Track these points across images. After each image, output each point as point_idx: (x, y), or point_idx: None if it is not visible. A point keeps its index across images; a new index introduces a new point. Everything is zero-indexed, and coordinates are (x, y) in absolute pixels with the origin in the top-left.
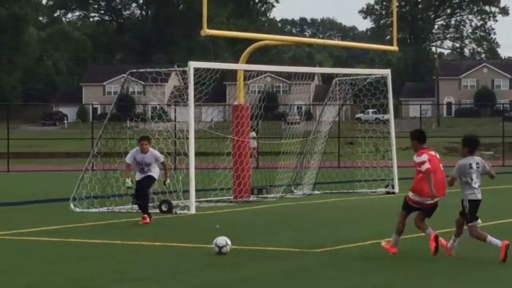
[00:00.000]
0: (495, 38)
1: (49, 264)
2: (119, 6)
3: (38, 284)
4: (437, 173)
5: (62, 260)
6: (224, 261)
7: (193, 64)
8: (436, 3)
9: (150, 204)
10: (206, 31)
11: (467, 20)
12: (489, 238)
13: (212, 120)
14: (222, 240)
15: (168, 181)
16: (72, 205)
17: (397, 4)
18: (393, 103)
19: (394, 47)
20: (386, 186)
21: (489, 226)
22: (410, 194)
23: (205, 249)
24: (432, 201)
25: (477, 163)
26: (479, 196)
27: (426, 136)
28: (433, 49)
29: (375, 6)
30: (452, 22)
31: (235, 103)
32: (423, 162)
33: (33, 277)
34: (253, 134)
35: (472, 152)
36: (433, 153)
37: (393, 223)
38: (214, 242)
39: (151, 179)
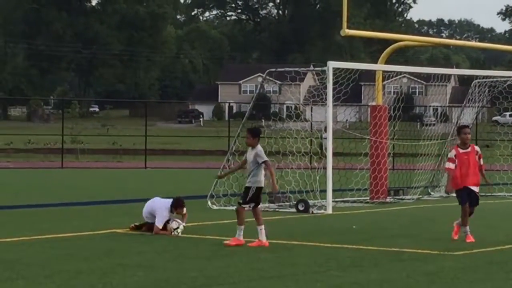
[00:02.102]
0: None
1: (187, 260)
2: (256, 6)
3: (177, 280)
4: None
5: (200, 257)
6: (361, 261)
7: (332, 64)
8: None
9: (287, 203)
10: (346, 31)
11: None
12: None
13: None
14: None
15: None
16: (209, 203)
17: None
18: None
19: None
20: None
21: None
22: None
23: (342, 249)
24: None
25: None
26: None
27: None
28: None
29: None
30: None
31: (373, 103)
32: None
33: (172, 273)
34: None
35: None
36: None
37: None
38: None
39: None
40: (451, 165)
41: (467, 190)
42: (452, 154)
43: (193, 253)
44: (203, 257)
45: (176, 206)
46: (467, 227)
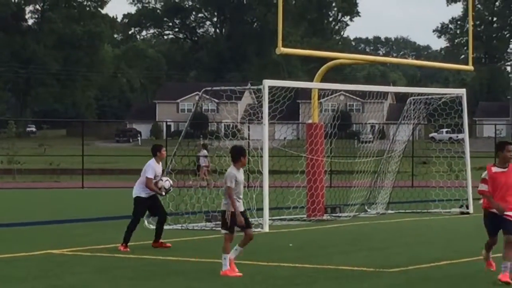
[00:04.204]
0: None
1: (124, 281)
2: (193, 24)
3: None
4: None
5: (137, 277)
6: (298, 280)
7: (267, 82)
8: None
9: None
10: (281, 49)
11: None
12: None
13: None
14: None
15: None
16: (146, 222)
17: (472, 23)
18: (467, 123)
19: (470, 67)
20: (461, 206)
21: None
22: None
23: (279, 268)
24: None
25: None
26: None
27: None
28: (508, 68)
29: (450, 25)
30: None
31: (309, 121)
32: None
33: None
34: (205, 152)
35: None
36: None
37: (467, 243)
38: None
39: None
40: (483, 187)
41: (498, 218)
42: (485, 174)
43: (130, 274)
44: (140, 277)
45: (155, 151)
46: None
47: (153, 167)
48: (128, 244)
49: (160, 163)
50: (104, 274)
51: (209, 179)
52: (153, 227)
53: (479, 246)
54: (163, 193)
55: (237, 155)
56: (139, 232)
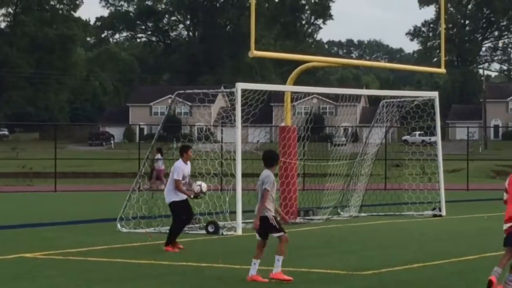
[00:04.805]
0: None
1: (95, 284)
2: (166, 27)
3: None
4: None
5: (108, 280)
6: (270, 283)
7: (240, 85)
8: (484, 25)
9: (197, 225)
10: (254, 52)
11: None
12: None
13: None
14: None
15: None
16: (119, 225)
17: (444, 26)
18: (440, 126)
19: (442, 70)
20: (433, 209)
21: None
22: None
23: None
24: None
25: None
26: None
27: None
28: (480, 71)
29: (422, 28)
30: (500, 44)
31: (282, 124)
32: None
33: None
34: (159, 156)
35: None
36: None
37: (439, 246)
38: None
39: None
40: (504, 196)
41: None
42: (506, 182)
43: (102, 277)
44: (113, 280)
45: (182, 151)
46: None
47: (180, 168)
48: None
49: (189, 163)
50: (76, 277)
51: (159, 183)
52: (126, 230)
53: (452, 249)
54: (192, 196)
55: (275, 159)
56: (110, 235)
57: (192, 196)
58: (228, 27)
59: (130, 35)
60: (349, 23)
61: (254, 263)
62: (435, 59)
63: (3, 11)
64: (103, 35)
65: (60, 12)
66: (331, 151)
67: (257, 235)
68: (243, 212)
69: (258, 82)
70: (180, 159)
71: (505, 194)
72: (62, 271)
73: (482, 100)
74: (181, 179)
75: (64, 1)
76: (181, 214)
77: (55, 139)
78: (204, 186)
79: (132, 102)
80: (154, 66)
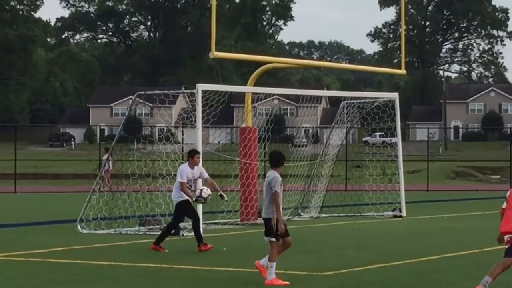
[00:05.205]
0: (502, 62)
1: (56, 285)
2: (127, 28)
3: None
4: None
5: (68, 282)
6: (231, 283)
7: (201, 86)
8: (444, 27)
9: (157, 226)
10: (215, 53)
11: (474, 44)
12: None
13: (219, 142)
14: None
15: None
16: (79, 227)
17: (405, 27)
18: (400, 127)
19: (402, 71)
20: (393, 210)
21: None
22: None
23: (213, 272)
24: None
25: None
26: None
27: None
28: (441, 72)
29: (383, 30)
30: (460, 46)
31: (243, 125)
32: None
33: None
34: (106, 155)
35: None
36: None
37: (400, 246)
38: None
39: None
40: (503, 206)
41: None
42: (508, 193)
43: (63, 278)
44: (73, 282)
45: (188, 156)
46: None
47: (184, 171)
48: (161, 243)
49: (197, 167)
50: (37, 279)
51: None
52: (86, 231)
53: (412, 249)
54: (194, 199)
55: (281, 160)
56: (71, 237)
57: (193, 199)
58: (189, 28)
59: (90, 36)
60: (310, 24)
61: (272, 266)
62: (396, 60)
63: None
64: (63, 36)
65: (20, 12)
66: (292, 152)
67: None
68: (204, 213)
69: (219, 83)
70: (186, 163)
71: (505, 203)
72: (22, 273)
73: (442, 101)
74: (185, 181)
75: (24, 2)
76: (192, 211)
77: (15, 140)
78: (205, 191)
79: (92, 103)
80: (115, 67)
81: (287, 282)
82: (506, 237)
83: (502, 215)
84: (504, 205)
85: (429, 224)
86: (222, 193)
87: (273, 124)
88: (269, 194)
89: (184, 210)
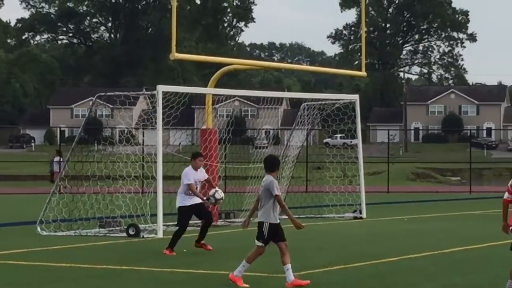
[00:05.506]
0: (462, 64)
1: (14, 287)
2: (88, 29)
3: None
4: None
5: (28, 284)
6: (191, 285)
7: (161, 88)
8: (404, 29)
9: (117, 228)
10: (175, 55)
11: (435, 46)
12: None
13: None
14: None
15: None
16: (39, 228)
17: (365, 29)
18: (361, 128)
19: (363, 73)
20: (354, 211)
21: (458, 252)
22: None
23: (173, 273)
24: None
25: None
26: None
27: None
28: (401, 74)
29: (344, 31)
30: (420, 48)
31: (204, 127)
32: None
33: None
34: (59, 158)
35: None
36: None
37: (360, 248)
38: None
39: None
40: (505, 196)
41: None
42: (510, 182)
43: (22, 280)
44: (32, 284)
45: (191, 158)
46: None
47: (190, 173)
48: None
49: (200, 170)
50: None
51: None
52: (46, 233)
53: (372, 251)
54: (205, 199)
55: (276, 164)
56: (30, 238)
57: (205, 199)
58: (150, 29)
59: (51, 37)
60: (271, 26)
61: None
62: (356, 62)
63: None
64: (24, 37)
65: None
66: (253, 154)
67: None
68: (164, 214)
69: (179, 85)
70: (189, 166)
71: (506, 193)
72: None
73: (403, 103)
74: (192, 182)
75: None
76: (184, 221)
77: None
78: (219, 193)
79: (53, 104)
80: (76, 68)
81: (247, 286)
82: None
83: (504, 206)
84: (506, 195)
85: (390, 225)
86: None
87: (234, 126)
88: (269, 198)
89: (180, 215)
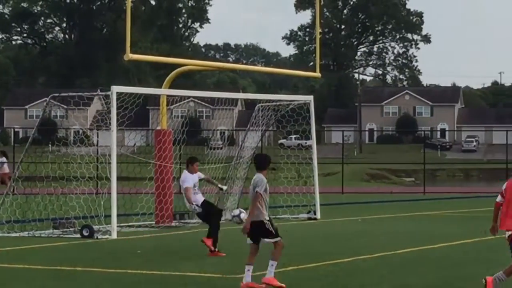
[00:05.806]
0: (417, 66)
1: None
2: (42, 30)
3: None
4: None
5: None
6: (145, 286)
7: (115, 89)
8: (359, 30)
9: (71, 229)
10: (130, 55)
11: (389, 47)
12: None
13: (134, 144)
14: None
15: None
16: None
17: (320, 30)
18: (315, 129)
19: (317, 74)
20: (308, 212)
21: (412, 252)
22: None
23: (127, 274)
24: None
25: None
26: None
27: None
28: (356, 75)
29: (299, 33)
30: (375, 49)
31: (158, 128)
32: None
33: None
34: (4, 159)
35: None
36: None
37: (314, 249)
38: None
39: None
40: (498, 199)
41: None
42: (504, 186)
43: None
44: None
45: (188, 163)
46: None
47: (189, 177)
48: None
49: (197, 174)
50: None
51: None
52: (15, 235)
53: (326, 251)
54: (191, 205)
55: (267, 162)
56: None
57: (193, 205)
58: (105, 30)
59: (5, 38)
60: (226, 27)
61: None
62: (311, 63)
63: None
64: None
65: None
66: (207, 155)
67: (248, 239)
68: (118, 215)
69: (134, 85)
70: (185, 170)
71: (499, 197)
72: None
73: (357, 104)
74: (191, 186)
75: None
76: (209, 213)
77: None
78: (244, 215)
79: (7, 105)
80: (30, 69)
81: (283, 285)
82: (509, 233)
83: (496, 209)
84: (499, 199)
85: (344, 226)
86: (221, 186)
87: (189, 127)
88: (253, 195)
89: (205, 207)
